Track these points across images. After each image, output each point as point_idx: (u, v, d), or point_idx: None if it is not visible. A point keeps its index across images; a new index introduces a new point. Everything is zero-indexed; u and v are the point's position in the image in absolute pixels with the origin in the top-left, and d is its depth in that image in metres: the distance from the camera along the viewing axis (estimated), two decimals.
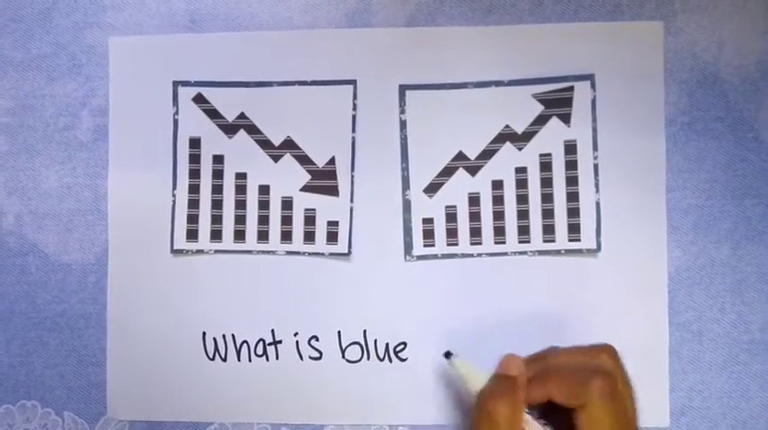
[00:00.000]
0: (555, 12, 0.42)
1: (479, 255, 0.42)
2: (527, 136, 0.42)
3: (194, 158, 0.43)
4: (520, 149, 0.42)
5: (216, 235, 0.43)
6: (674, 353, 0.42)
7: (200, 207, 0.43)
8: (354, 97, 0.43)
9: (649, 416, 0.41)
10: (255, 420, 0.43)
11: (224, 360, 0.43)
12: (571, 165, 0.42)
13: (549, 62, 0.42)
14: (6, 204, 0.44)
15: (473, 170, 0.42)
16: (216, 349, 0.43)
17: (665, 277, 0.42)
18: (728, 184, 0.42)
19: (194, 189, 0.43)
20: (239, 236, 0.43)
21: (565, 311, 0.42)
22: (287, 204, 0.43)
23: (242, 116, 0.43)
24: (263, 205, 0.43)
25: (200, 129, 0.43)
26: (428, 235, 0.42)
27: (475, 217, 0.42)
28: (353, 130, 0.43)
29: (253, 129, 0.43)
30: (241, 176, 0.43)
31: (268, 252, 0.43)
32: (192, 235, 0.43)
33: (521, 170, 0.42)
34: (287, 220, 0.43)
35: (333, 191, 0.43)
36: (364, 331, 0.43)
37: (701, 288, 0.42)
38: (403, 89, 0.43)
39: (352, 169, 0.43)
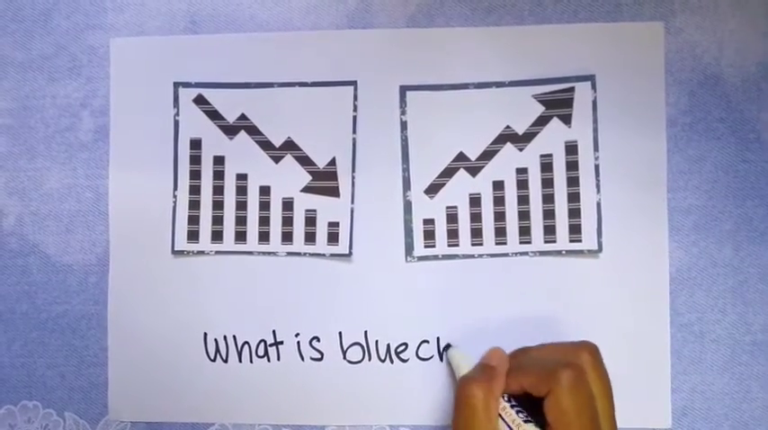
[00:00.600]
0: (555, 12, 0.42)
1: (480, 255, 0.42)
2: (528, 136, 0.42)
3: (195, 159, 0.43)
4: (521, 150, 0.42)
5: (217, 236, 0.43)
6: (675, 354, 0.42)
7: (201, 208, 0.43)
8: (355, 98, 0.43)
9: (651, 417, 0.41)
10: (257, 421, 0.43)
11: (225, 361, 0.43)
12: (572, 165, 0.42)
13: (549, 63, 0.42)
14: (7, 205, 0.44)
15: (474, 171, 0.42)
16: (217, 350, 0.43)
17: (666, 278, 0.42)
18: (730, 185, 0.42)
19: (195, 190, 0.43)
20: (240, 237, 0.43)
21: (566, 312, 0.42)
22: (288, 205, 0.43)
23: (243, 117, 0.43)
24: (264, 206, 0.43)
25: (200, 131, 0.43)
26: (429, 236, 0.42)
27: (476, 218, 0.42)
28: (354, 131, 0.43)
29: (253, 131, 0.43)
30: (242, 177, 0.43)
31: (269, 253, 0.43)
32: (193, 236, 0.43)
33: (522, 171, 0.42)
34: (288, 221, 0.43)
35: (333, 192, 0.43)
36: (365, 332, 0.43)
37: (702, 289, 0.42)
38: (404, 90, 0.43)
39: (353, 170, 0.43)
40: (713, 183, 0.42)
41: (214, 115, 0.43)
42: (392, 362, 0.42)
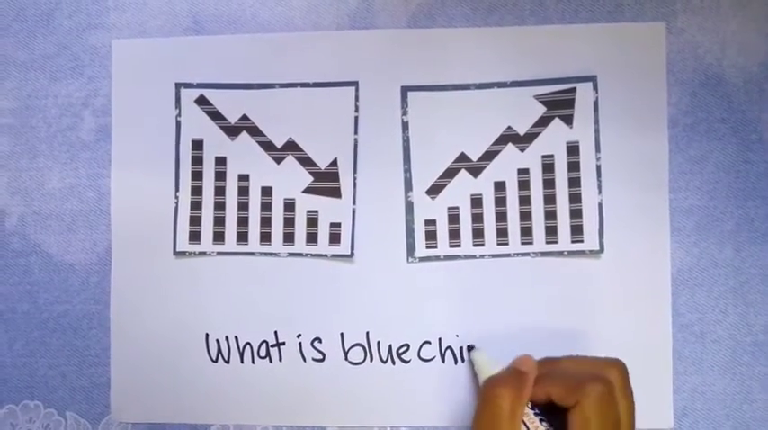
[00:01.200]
0: (556, 12, 0.42)
1: (482, 256, 0.42)
2: (529, 137, 0.42)
3: (197, 160, 0.43)
4: (522, 151, 0.42)
5: (218, 237, 0.43)
6: (676, 355, 0.42)
7: (203, 209, 0.43)
8: (356, 99, 0.43)
9: (653, 418, 0.41)
10: (258, 422, 0.43)
11: (227, 361, 0.43)
12: (573, 166, 0.42)
13: (551, 63, 0.42)
14: (9, 205, 0.44)
15: (475, 171, 0.42)
16: (219, 351, 0.43)
17: (667, 278, 0.42)
18: (731, 186, 0.42)
19: (197, 191, 0.43)
20: (242, 237, 0.43)
21: (567, 312, 0.42)
22: (289, 206, 0.43)
23: (244, 118, 0.43)
24: (266, 207, 0.43)
25: (202, 131, 0.43)
26: (430, 236, 0.42)
27: (477, 218, 0.42)
28: (356, 132, 0.43)
29: (255, 131, 0.43)
30: (243, 178, 0.43)
31: (271, 254, 0.43)
32: (195, 236, 0.43)
33: (523, 171, 0.42)
34: (289, 222, 0.43)
35: (335, 192, 0.43)
36: (367, 333, 0.43)
37: (703, 289, 0.42)
38: (405, 90, 0.43)
39: (355, 171, 0.43)
40: (715, 183, 0.42)
41: (216, 116, 0.43)
42: (394, 362, 0.42)
